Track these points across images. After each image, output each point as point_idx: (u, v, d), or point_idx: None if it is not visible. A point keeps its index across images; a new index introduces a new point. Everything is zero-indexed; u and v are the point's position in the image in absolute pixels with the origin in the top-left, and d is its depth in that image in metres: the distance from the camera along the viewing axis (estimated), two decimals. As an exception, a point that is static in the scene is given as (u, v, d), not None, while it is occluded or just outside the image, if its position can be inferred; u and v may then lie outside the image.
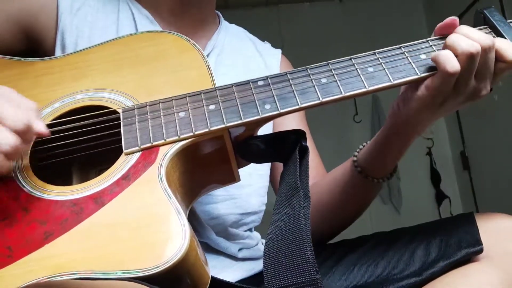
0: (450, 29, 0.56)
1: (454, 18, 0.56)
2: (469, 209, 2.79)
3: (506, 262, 0.55)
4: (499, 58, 0.54)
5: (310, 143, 0.81)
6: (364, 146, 0.67)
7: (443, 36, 0.57)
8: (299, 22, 3.15)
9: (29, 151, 0.54)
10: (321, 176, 0.79)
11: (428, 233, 0.62)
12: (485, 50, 0.53)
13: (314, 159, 0.79)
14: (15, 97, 0.48)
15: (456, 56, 0.52)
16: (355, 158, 0.67)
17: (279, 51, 0.87)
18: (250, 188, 0.73)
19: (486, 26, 0.58)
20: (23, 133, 0.46)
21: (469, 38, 0.53)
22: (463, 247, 0.57)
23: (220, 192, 0.68)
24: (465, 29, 0.54)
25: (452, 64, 0.51)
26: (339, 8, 3.22)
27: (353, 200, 0.69)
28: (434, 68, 0.54)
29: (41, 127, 0.48)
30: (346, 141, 2.99)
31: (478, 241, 0.56)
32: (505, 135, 2.37)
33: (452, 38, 0.53)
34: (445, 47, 0.54)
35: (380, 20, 3.12)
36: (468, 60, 0.52)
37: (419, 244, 0.60)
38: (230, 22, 0.86)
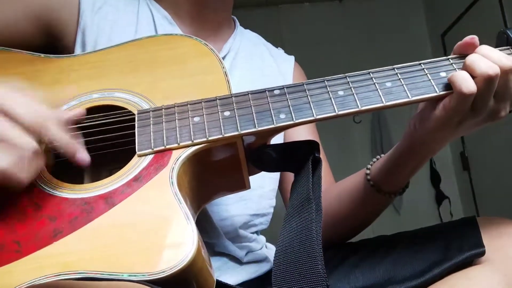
0: (470, 47, 0.56)
1: (473, 37, 0.56)
2: (469, 210, 2.78)
3: (507, 266, 0.54)
4: None
5: (321, 155, 0.82)
6: (377, 159, 0.67)
7: (464, 55, 0.56)
8: (299, 22, 3.15)
9: (43, 147, 0.54)
10: (329, 183, 0.79)
11: (430, 236, 0.62)
12: (505, 72, 0.52)
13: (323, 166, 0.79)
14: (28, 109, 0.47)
15: (475, 77, 0.52)
16: (368, 171, 0.66)
17: (292, 57, 0.87)
18: (261, 190, 0.73)
19: (509, 47, 0.57)
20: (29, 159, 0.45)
21: (489, 59, 0.52)
22: (465, 250, 0.56)
23: (231, 195, 0.68)
24: (485, 49, 0.54)
25: (467, 85, 0.51)
26: (339, 8, 3.21)
27: (363, 211, 0.69)
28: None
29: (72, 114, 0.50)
30: (346, 141, 2.99)
31: (480, 244, 0.56)
32: (505, 136, 2.36)
33: (471, 59, 0.53)
34: (465, 67, 0.53)
35: (380, 20, 3.11)
36: (486, 82, 0.51)
37: (421, 247, 0.60)
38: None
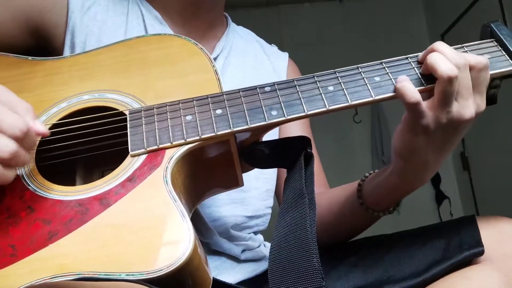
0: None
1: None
2: (469, 210, 2.80)
3: (507, 265, 0.55)
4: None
5: (313, 151, 0.82)
6: (368, 177, 0.66)
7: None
8: (299, 22, 3.15)
9: (35, 150, 0.54)
10: (321, 185, 0.79)
11: (429, 235, 0.62)
12: (461, 70, 0.52)
13: (316, 168, 0.79)
14: (10, 99, 0.47)
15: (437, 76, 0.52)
16: (360, 183, 0.65)
17: (286, 54, 0.87)
18: (255, 192, 0.73)
19: (492, 40, 0.58)
20: (22, 138, 0.45)
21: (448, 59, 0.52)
22: (464, 249, 0.57)
23: (223, 196, 0.68)
24: (440, 46, 0.54)
25: (412, 94, 0.51)
26: (339, 8, 3.22)
27: (351, 223, 0.69)
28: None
29: (39, 128, 0.47)
30: (346, 141, 3.00)
31: (479, 243, 0.57)
32: (505, 135, 2.39)
33: (434, 58, 0.53)
34: (427, 67, 0.54)
35: (380, 20, 3.13)
36: (447, 81, 0.51)
37: (420, 246, 0.61)
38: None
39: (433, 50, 0.54)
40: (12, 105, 0.47)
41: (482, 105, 0.54)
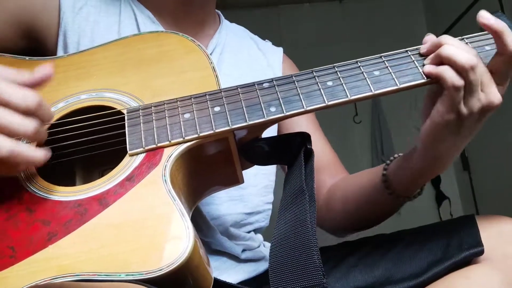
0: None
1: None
2: (469, 210, 2.79)
3: (506, 264, 0.55)
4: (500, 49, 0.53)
5: (323, 141, 0.82)
6: (394, 158, 0.65)
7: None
8: (299, 23, 3.16)
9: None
10: (340, 173, 0.79)
11: (429, 234, 0.62)
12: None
13: (330, 156, 0.80)
14: (10, 74, 0.47)
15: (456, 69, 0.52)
16: (384, 172, 0.65)
17: (280, 49, 0.87)
18: (253, 189, 0.73)
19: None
20: (36, 110, 0.46)
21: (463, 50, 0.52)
22: (464, 248, 0.57)
23: (221, 194, 0.68)
24: (449, 40, 0.54)
25: (456, 78, 0.51)
26: (339, 8, 3.22)
27: (375, 209, 0.69)
28: None
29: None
30: (346, 141, 2.99)
31: (479, 243, 0.56)
32: (505, 136, 2.38)
33: (448, 50, 0.52)
34: (439, 58, 0.53)
35: (380, 20, 3.13)
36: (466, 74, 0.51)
37: (420, 246, 0.60)
38: (229, 22, 0.85)
39: (440, 44, 0.54)
40: (13, 78, 0.47)
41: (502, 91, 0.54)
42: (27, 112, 0.45)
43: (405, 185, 0.63)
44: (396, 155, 0.66)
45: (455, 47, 0.52)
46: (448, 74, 0.51)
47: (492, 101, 0.53)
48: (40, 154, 0.47)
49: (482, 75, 0.52)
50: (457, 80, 0.51)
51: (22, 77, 0.47)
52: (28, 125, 0.45)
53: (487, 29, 0.53)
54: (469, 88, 0.51)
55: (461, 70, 0.51)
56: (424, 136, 0.56)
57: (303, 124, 0.79)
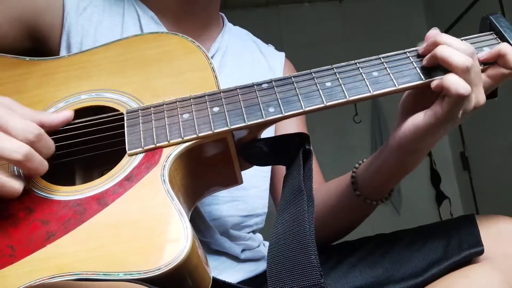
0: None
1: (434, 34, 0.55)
2: (469, 210, 2.79)
3: (506, 264, 0.55)
4: (502, 64, 0.54)
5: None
6: (361, 164, 0.66)
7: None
8: (299, 23, 3.15)
9: None
10: (318, 184, 0.78)
11: (429, 234, 0.62)
12: (474, 59, 0.52)
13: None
14: (17, 108, 0.48)
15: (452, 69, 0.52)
16: (353, 175, 0.66)
17: (282, 54, 0.87)
18: (254, 190, 0.73)
19: (492, 32, 0.58)
20: (35, 142, 0.46)
21: (458, 50, 0.52)
22: (464, 248, 0.57)
23: (223, 194, 0.68)
24: (446, 38, 0.54)
25: (463, 85, 0.50)
26: (339, 8, 3.22)
27: (347, 215, 0.69)
28: (438, 74, 0.54)
29: (62, 115, 0.51)
30: (346, 141, 2.99)
31: (479, 243, 0.56)
32: (505, 135, 2.38)
33: (444, 52, 0.52)
34: (436, 57, 0.53)
35: (380, 20, 3.13)
36: (467, 75, 0.51)
37: (420, 246, 0.60)
38: (230, 22, 0.86)
39: (437, 43, 0.53)
40: (21, 113, 0.48)
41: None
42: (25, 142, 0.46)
43: (374, 186, 0.63)
44: (360, 162, 0.66)
45: (450, 48, 0.52)
46: (453, 81, 0.51)
47: (479, 101, 0.53)
48: (16, 187, 0.47)
49: (476, 75, 0.52)
50: (464, 89, 0.50)
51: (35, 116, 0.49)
52: (18, 151, 0.45)
53: (491, 58, 0.54)
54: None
55: (456, 72, 0.51)
56: (407, 133, 0.55)
57: (292, 130, 0.78)
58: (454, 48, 0.52)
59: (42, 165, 0.48)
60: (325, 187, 0.74)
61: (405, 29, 3.03)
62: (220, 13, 0.82)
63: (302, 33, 3.09)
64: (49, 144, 0.49)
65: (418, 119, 0.54)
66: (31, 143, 0.46)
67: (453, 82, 0.51)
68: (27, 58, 0.63)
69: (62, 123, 0.53)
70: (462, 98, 0.51)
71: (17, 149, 0.45)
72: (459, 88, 0.50)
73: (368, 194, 0.64)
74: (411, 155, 0.58)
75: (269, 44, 0.88)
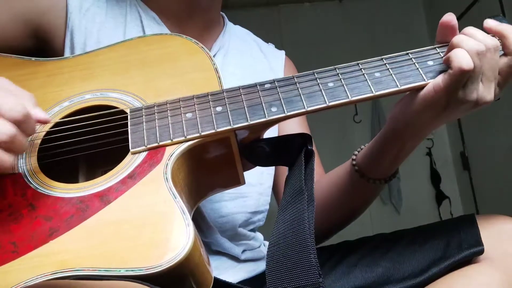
0: (449, 29, 0.56)
1: (450, 19, 0.56)
2: (469, 210, 2.79)
3: (506, 263, 0.55)
4: (503, 45, 0.54)
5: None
6: (364, 146, 0.67)
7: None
8: (299, 22, 3.15)
9: (37, 149, 0.54)
10: (319, 176, 0.79)
11: (429, 234, 0.62)
12: (490, 51, 0.52)
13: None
14: (12, 88, 0.48)
15: None
16: (354, 157, 0.67)
17: (283, 52, 0.87)
18: (260, 187, 0.73)
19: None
20: (21, 122, 0.46)
21: (475, 38, 0.53)
22: (464, 248, 0.57)
23: (231, 190, 0.67)
24: (471, 29, 0.55)
25: (467, 60, 0.51)
26: (339, 8, 3.22)
27: (351, 200, 0.69)
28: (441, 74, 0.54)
29: (40, 114, 0.48)
30: (346, 141, 2.99)
31: (479, 242, 0.56)
32: (505, 136, 2.38)
33: (459, 38, 0.53)
34: (452, 46, 0.53)
35: (380, 20, 3.12)
36: (475, 58, 0.51)
37: (420, 245, 0.60)
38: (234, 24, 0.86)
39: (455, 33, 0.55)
40: (14, 93, 0.47)
41: (497, 92, 0.55)
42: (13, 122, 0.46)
43: (373, 165, 0.64)
44: (362, 147, 0.67)
45: (464, 36, 0.53)
46: (458, 54, 0.51)
47: (485, 96, 0.53)
48: (5, 159, 0.46)
49: (490, 67, 0.52)
50: (467, 63, 0.50)
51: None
52: (6, 129, 0.45)
53: (493, 32, 0.54)
54: (471, 74, 0.51)
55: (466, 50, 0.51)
56: (403, 104, 0.56)
57: (294, 130, 0.78)
58: (470, 37, 0.53)
59: (24, 147, 0.48)
60: (328, 175, 0.75)
61: (405, 28, 3.02)
62: (221, 12, 0.82)
63: (302, 33, 3.09)
64: (33, 126, 0.49)
65: (417, 91, 0.55)
66: (17, 123, 0.46)
67: (458, 55, 0.51)
68: (33, 59, 0.63)
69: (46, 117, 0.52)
70: (463, 74, 0.51)
71: (3, 130, 0.45)
72: (462, 62, 0.50)
73: (369, 173, 0.64)
74: (407, 128, 0.58)
75: (269, 43, 0.89)
